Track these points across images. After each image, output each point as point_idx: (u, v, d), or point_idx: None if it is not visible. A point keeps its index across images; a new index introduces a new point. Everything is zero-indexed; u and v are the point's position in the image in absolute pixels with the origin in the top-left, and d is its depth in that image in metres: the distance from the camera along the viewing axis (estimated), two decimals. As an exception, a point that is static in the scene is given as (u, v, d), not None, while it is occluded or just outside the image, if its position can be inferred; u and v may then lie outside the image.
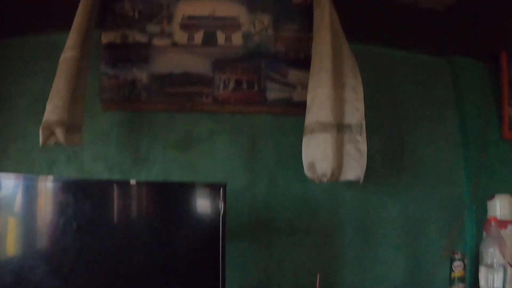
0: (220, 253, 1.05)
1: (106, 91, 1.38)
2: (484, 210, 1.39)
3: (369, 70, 1.45)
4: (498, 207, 1.42)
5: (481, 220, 1.39)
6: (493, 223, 1.28)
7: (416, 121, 1.53)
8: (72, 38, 1.22)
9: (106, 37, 1.40)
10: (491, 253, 1.22)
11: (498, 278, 1.20)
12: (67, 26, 1.23)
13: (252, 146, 1.39)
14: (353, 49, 1.30)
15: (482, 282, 1.22)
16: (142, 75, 1.39)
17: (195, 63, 1.40)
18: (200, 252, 1.10)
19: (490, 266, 1.21)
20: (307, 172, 1.20)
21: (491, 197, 1.44)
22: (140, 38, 1.40)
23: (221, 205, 1.06)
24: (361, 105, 1.25)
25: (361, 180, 1.20)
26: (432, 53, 1.60)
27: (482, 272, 1.23)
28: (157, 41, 1.40)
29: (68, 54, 1.20)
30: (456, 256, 1.30)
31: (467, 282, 1.37)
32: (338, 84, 1.24)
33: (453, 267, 1.30)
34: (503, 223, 1.37)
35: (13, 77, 1.41)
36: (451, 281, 1.30)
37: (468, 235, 1.51)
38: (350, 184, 1.31)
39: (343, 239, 1.40)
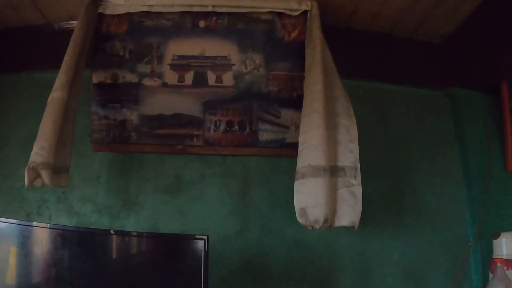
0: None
1: (96, 132, 1.35)
2: (490, 249, 1.32)
3: (364, 108, 1.43)
4: (504, 246, 1.35)
5: (487, 260, 1.32)
6: (499, 264, 1.21)
7: (415, 158, 1.48)
8: (60, 79, 1.20)
9: (97, 77, 1.38)
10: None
11: None
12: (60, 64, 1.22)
13: (244, 189, 1.35)
14: (347, 86, 1.27)
15: None
16: (132, 116, 1.36)
17: (186, 104, 1.37)
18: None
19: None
20: (299, 218, 1.15)
21: (497, 235, 1.37)
22: (131, 78, 1.38)
23: (203, 257, 1.01)
24: (355, 147, 1.20)
25: (357, 226, 1.14)
26: (430, 86, 1.57)
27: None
28: (147, 82, 1.38)
29: (56, 95, 1.18)
30: None
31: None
32: (331, 125, 1.20)
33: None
34: (510, 263, 1.30)
35: (6, 114, 1.41)
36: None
37: (474, 277, 1.43)
38: (347, 229, 1.26)
39: (341, 287, 1.34)
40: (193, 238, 1.06)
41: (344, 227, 1.21)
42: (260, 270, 1.27)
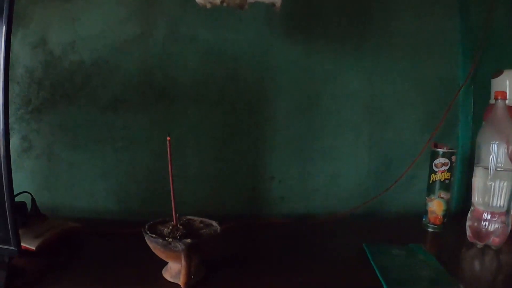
0: None
1: None
2: (486, 95, 1.01)
3: None
4: (508, 86, 0.99)
5: (481, 108, 1.01)
6: (500, 100, 0.86)
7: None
8: None
9: None
10: (494, 149, 0.82)
11: (501, 187, 0.80)
12: None
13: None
14: None
15: (476, 193, 0.82)
16: None
17: None
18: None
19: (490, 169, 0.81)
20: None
21: (498, 73, 1.00)
22: None
23: None
24: None
25: (278, 4, 0.78)
26: None
27: (478, 177, 0.83)
28: None
29: None
30: (441, 150, 0.90)
31: (454, 190, 0.97)
32: None
33: (434, 167, 0.91)
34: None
35: None
36: (430, 186, 0.91)
37: (462, 127, 1.12)
38: (286, 36, 0.92)
39: (277, 121, 1.00)
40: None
41: (282, 32, 0.90)
42: (165, 86, 0.93)
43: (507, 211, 0.84)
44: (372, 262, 0.70)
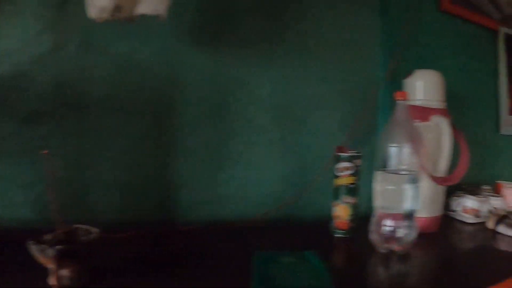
0: None
1: None
2: None
3: None
4: (418, 88, 0.99)
5: None
6: (401, 102, 0.85)
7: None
8: None
9: None
10: (393, 152, 0.80)
11: (401, 191, 0.79)
12: None
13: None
14: None
15: (377, 197, 0.81)
16: None
17: None
18: None
19: (391, 172, 0.80)
20: (89, 10, 0.77)
21: (409, 74, 1.01)
22: None
23: None
24: None
25: (164, 15, 0.76)
26: None
27: (378, 181, 0.82)
28: None
29: None
30: (342, 154, 0.88)
31: (364, 194, 0.95)
32: None
33: (337, 171, 0.89)
34: (424, 112, 0.94)
35: None
36: (334, 191, 0.89)
37: (380, 129, 1.11)
38: (197, 45, 0.90)
39: (188, 129, 0.97)
40: None
41: (191, 41, 0.88)
42: (78, 98, 0.90)
43: (410, 215, 0.82)
44: (254, 270, 0.67)
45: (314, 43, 1.07)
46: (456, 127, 0.99)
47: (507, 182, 1.33)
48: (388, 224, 0.81)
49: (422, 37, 1.23)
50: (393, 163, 0.82)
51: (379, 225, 0.82)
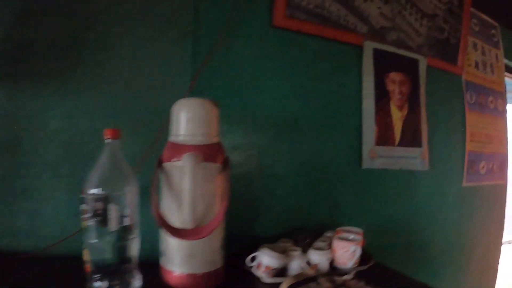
0: None
1: None
2: None
3: None
4: (176, 121, 0.90)
5: None
6: (110, 141, 0.80)
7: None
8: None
9: None
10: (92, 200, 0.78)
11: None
12: None
13: None
14: None
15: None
16: None
17: None
18: None
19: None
20: None
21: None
22: None
23: None
24: None
25: None
26: None
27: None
28: None
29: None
30: (89, 195, 0.79)
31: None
32: None
33: (81, 213, 0.84)
34: (180, 150, 0.87)
35: None
36: (83, 234, 0.84)
37: None
38: None
39: None
40: None
41: None
42: None
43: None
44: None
45: (113, 75, 1.06)
46: (227, 166, 0.89)
47: (348, 227, 1.13)
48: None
49: (241, 60, 1.16)
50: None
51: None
